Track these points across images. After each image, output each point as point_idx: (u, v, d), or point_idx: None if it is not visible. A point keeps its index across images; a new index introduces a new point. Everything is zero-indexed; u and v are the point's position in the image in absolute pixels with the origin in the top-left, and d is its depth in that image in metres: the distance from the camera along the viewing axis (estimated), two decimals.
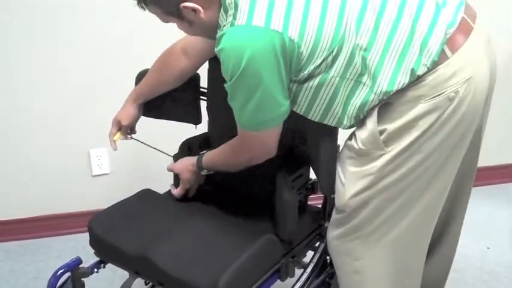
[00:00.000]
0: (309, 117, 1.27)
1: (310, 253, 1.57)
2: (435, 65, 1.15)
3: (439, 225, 1.40)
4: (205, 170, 1.46)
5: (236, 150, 1.34)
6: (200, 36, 1.36)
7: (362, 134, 1.23)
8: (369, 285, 1.35)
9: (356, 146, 1.24)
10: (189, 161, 1.50)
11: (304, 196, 1.51)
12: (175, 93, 1.58)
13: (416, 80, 1.16)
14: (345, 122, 1.25)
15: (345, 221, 1.30)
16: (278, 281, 1.40)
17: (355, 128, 1.27)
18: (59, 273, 1.41)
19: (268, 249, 1.35)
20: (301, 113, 1.26)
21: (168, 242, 1.34)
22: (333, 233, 1.35)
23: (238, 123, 1.25)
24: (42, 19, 2.05)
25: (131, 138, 1.66)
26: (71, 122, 2.21)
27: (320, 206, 1.59)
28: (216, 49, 1.16)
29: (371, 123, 1.20)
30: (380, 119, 1.20)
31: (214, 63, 1.48)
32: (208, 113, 1.63)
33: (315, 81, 1.18)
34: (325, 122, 1.27)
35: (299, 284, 1.46)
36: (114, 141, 1.61)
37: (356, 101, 1.21)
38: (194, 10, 1.17)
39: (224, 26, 1.18)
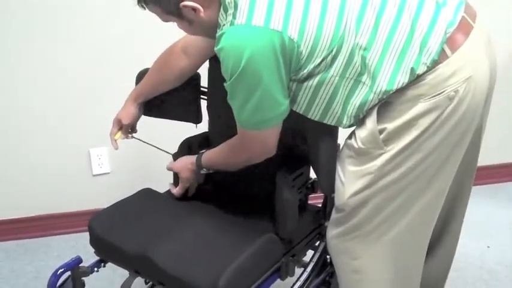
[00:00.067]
0: (308, 116, 1.27)
1: (310, 252, 1.57)
2: (435, 64, 1.15)
3: (439, 224, 1.41)
4: (205, 169, 1.46)
5: (235, 149, 1.35)
6: (200, 35, 1.36)
7: (362, 133, 1.23)
8: (368, 284, 1.35)
9: (356, 145, 1.24)
10: (189, 160, 1.50)
11: (304, 195, 1.51)
12: (176, 92, 1.58)
13: (416, 79, 1.16)
14: (344, 121, 1.25)
15: (344, 220, 1.30)
16: (278, 280, 1.40)
17: (354, 127, 1.27)
18: (59, 272, 1.41)
19: (268, 248, 1.35)
20: (300, 112, 1.26)
21: (168, 241, 1.34)
22: (332, 232, 1.35)
23: (238, 122, 1.25)
24: (42, 19, 2.05)
25: (132, 137, 1.67)
26: (71, 122, 2.21)
27: (320, 205, 1.59)
28: (215, 48, 1.16)
29: (371, 122, 1.20)
30: (380, 118, 1.20)
31: (215, 62, 1.48)
32: (208, 112, 1.63)
33: (314, 81, 1.19)
34: (324, 121, 1.27)
35: (299, 283, 1.47)
36: (115, 141, 1.62)
37: (356, 100, 1.21)
38: (194, 9, 1.18)
39: (224, 25, 1.18)
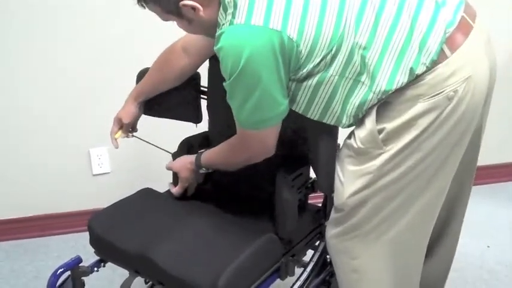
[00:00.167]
0: (308, 116, 1.27)
1: (310, 252, 1.57)
2: (434, 64, 1.15)
3: (438, 224, 1.41)
4: (204, 169, 1.46)
5: (235, 149, 1.35)
6: (199, 34, 1.36)
7: (361, 133, 1.23)
8: (368, 283, 1.35)
9: (355, 145, 1.24)
10: (188, 159, 1.50)
11: (304, 195, 1.51)
12: (176, 91, 1.58)
13: (415, 79, 1.16)
14: (344, 121, 1.25)
15: (343, 220, 1.30)
16: (278, 280, 1.40)
17: (354, 127, 1.27)
18: (58, 272, 1.41)
19: (268, 248, 1.35)
20: (300, 112, 1.26)
21: (168, 240, 1.34)
22: (331, 231, 1.35)
23: (237, 121, 1.25)
24: (42, 19, 2.05)
25: (132, 136, 1.67)
26: (71, 122, 2.21)
27: (320, 205, 1.59)
28: (215, 47, 1.16)
29: (370, 122, 1.20)
30: (379, 118, 1.20)
31: (215, 62, 1.48)
32: (208, 112, 1.64)
33: (313, 80, 1.19)
34: (324, 121, 1.27)
35: (299, 283, 1.46)
36: (116, 140, 1.62)
37: (355, 100, 1.21)
38: (193, 8, 1.18)
39: (223, 24, 1.18)
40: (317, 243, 1.59)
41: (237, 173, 1.41)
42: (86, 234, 1.46)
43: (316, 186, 1.52)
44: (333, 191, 1.33)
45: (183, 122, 1.64)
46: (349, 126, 1.27)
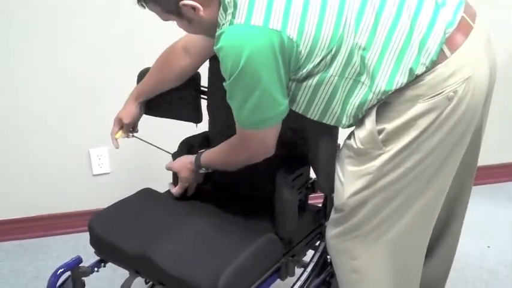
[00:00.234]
0: (307, 116, 1.27)
1: (310, 252, 1.57)
2: (434, 64, 1.15)
3: (439, 225, 1.41)
4: (204, 169, 1.47)
5: (235, 149, 1.35)
6: (199, 34, 1.36)
7: (361, 133, 1.23)
8: (368, 284, 1.35)
9: (355, 146, 1.24)
10: (188, 160, 1.50)
11: (304, 195, 1.51)
12: (176, 92, 1.59)
13: (414, 80, 1.16)
14: (343, 121, 1.25)
15: (343, 220, 1.30)
16: (278, 280, 1.40)
17: (354, 127, 1.27)
18: (59, 272, 1.41)
19: (268, 248, 1.35)
20: (300, 112, 1.26)
21: (168, 241, 1.34)
22: (331, 232, 1.35)
23: (237, 121, 1.25)
24: (42, 19, 2.05)
25: (133, 136, 1.67)
26: (71, 122, 2.21)
27: (320, 205, 1.59)
28: (215, 47, 1.16)
29: (370, 122, 1.20)
30: (379, 119, 1.20)
31: (215, 62, 1.48)
32: (208, 112, 1.64)
33: (313, 80, 1.19)
34: (324, 121, 1.27)
35: (299, 283, 1.46)
36: (116, 140, 1.62)
37: (355, 100, 1.21)
38: (193, 8, 1.18)
39: (223, 24, 1.18)
40: (317, 244, 1.59)
41: (237, 173, 1.41)
42: (86, 235, 1.46)
43: (316, 186, 1.52)
44: (333, 192, 1.33)
45: (183, 122, 1.64)
46: (349, 126, 1.27)
